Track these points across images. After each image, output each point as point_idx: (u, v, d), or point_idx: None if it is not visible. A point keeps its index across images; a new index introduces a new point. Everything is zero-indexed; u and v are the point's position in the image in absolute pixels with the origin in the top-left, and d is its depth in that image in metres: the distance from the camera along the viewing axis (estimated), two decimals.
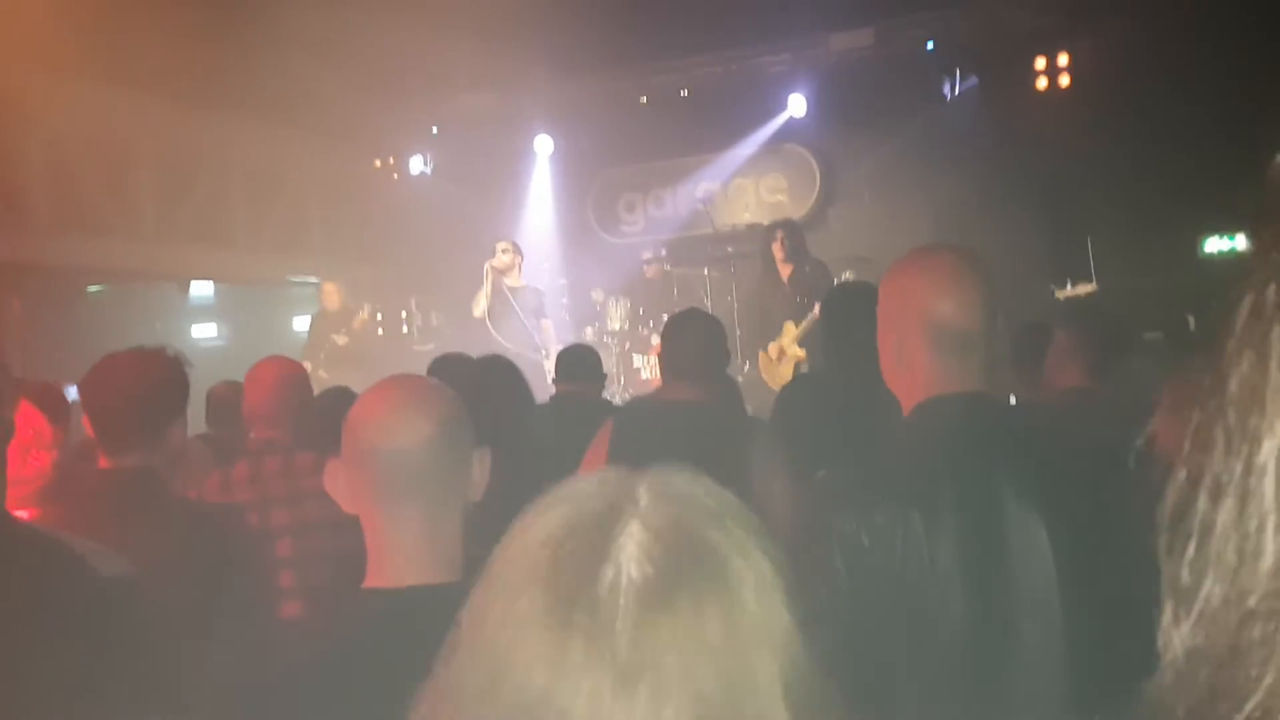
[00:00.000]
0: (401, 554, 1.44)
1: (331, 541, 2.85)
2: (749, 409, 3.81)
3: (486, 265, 7.70)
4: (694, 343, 3.08)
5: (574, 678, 0.66)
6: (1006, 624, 1.50)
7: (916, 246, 1.80)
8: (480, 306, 7.70)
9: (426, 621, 1.38)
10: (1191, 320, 7.15)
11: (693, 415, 2.98)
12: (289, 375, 3.24)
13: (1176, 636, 0.56)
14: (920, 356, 1.66)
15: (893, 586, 1.49)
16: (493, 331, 7.52)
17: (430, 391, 1.51)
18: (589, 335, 8.41)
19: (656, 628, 0.66)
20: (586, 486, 0.74)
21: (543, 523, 0.72)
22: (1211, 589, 0.54)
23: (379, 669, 1.35)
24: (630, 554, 0.68)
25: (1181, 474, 0.57)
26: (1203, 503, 0.55)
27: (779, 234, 7.15)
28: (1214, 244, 8.24)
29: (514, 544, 0.72)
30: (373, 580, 1.46)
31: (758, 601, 0.69)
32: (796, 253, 7.05)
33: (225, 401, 3.95)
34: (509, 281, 7.74)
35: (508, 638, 0.68)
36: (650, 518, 0.70)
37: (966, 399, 1.64)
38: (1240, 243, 8.14)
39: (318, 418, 3.07)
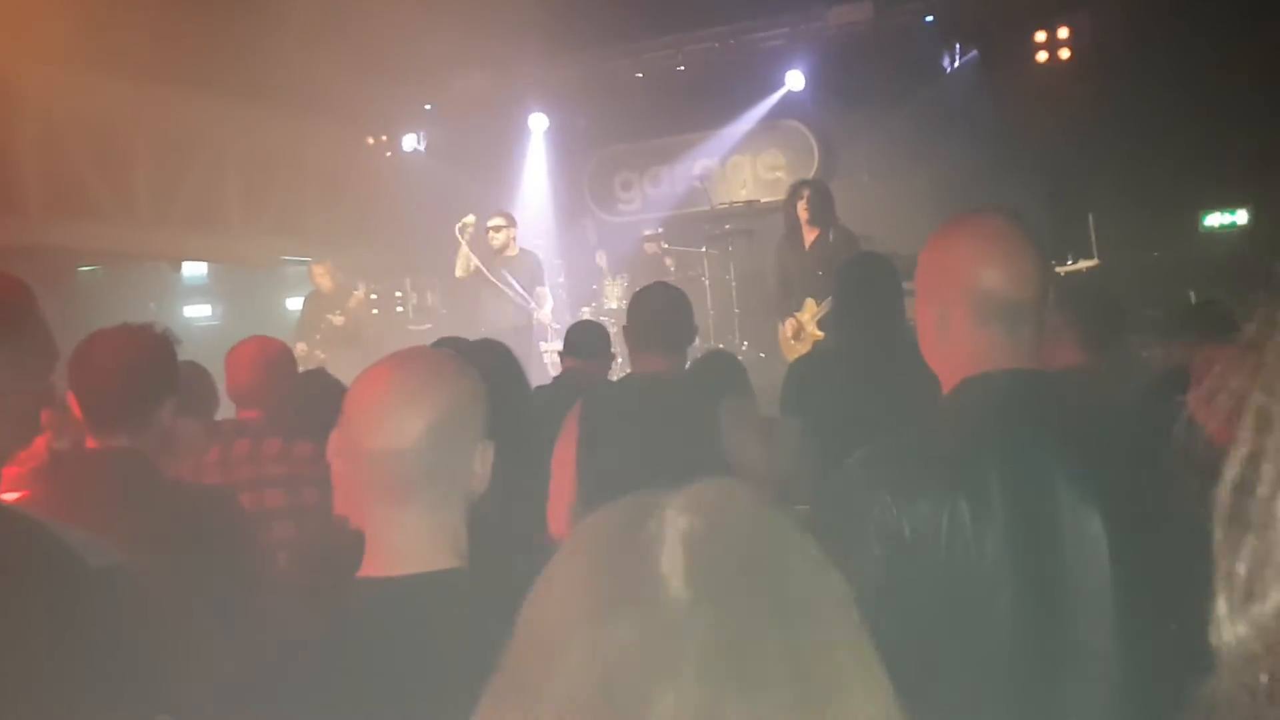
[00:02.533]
0: (397, 547, 1.38)
1: (314, 526, 2.84)
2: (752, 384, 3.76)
3: (458, 225, 7.50)
4: (655, 314, 3.04)
5: (648, 655, 0.64)
6: (1059, 621, 1.41)
7: (959, 212, 1.66)
8: (461, 267, 7.54)
9: (427, 608, 1.35)
10: (1193, 295, 7.14)
11: (659, 387, 2.96)
12: (272, 354, 3.20)
13: (1231, 635, 0.52)
14: (965, 329, 1.54)
15: (936, 578, 1.39)
16: (481, 304, 7.43)
17: (432, 381, 1.40)
18: (586, 314, 8.34)
19: (721, 607, 0.65)
20: (619, 507, 0.73)
21: (590, 533, 0.72)
22: (1271, 589, 0.51)
23: (377, 658, 1.31)
24: (675, 530, 0.68)
25: (1238, 458, 0.53)
26: (1262, 491, 0.52)
27: (805, 192, 6.56)
28: (1215, 219, 8.20)
29: (566, 556, 0.72)
30: (368, 569, 1.40)
31: (814, 564, 0.69)
32: (822, 216, 6.50)
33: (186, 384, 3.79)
34: (506, 253, 7.61)
35: (576, 628, 0.67)
36: (688, 510, 0.70)
37: (1016, 376, 1.53)
38: (1241, 217, 8.10)
39: (300, 399, 3.06)
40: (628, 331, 3.11)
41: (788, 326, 6.71)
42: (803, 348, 6.53)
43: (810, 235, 6.58)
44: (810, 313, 6.56)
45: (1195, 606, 1.52)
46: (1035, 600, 1.41)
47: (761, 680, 0.64)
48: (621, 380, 3.20)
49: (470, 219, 7.53)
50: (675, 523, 0.68)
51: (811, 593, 0.68)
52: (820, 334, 6.45)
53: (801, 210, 6.54)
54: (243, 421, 3.15)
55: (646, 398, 2.95)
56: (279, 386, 3.17)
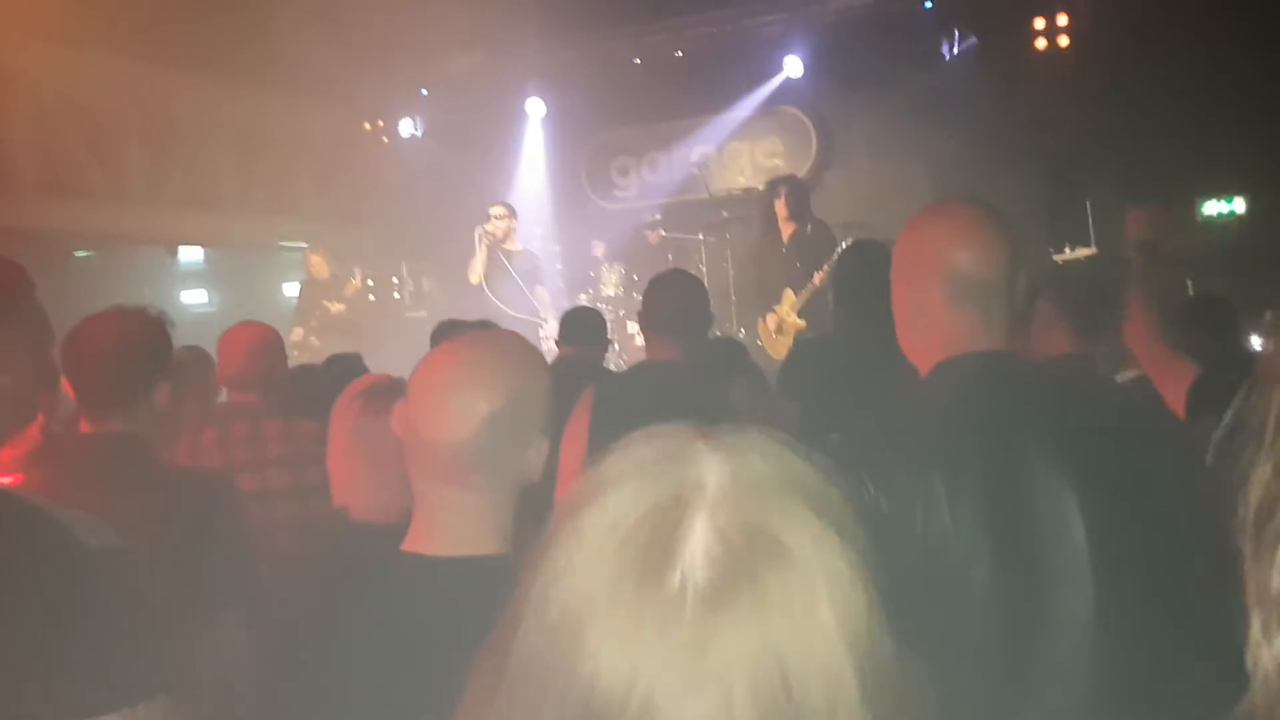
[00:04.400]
0: (444, 527, 1.39)
1: (301, 508, 2.85)
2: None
3: (478, 230, 7.57)
4: (672, 301, 3.04)
5: (642, 673, 0.63)
6: (1034, 597, 1.42)
7: (931, 202, 1.71)
8: (476, 273, 7.58)
9: (466, 590, 1.34)
10: (1190, 284, 7.13)
11: (673, 374, 2.95)
12: (263, 339, 3.21)
13: (1268, 653, 0.50)
14: (939, 313, 1.58)
15: (913, 554, 1.41)
16: (490, 296, 7.42)
17: (497, 371, 1.38)
18: (583, 301, 8.33)
19: (721, 630, 0.63)
20: (650, 458, 0.70)
21: (609, 505, 0.68)
22: None
23: (410, 632, 1.31)
24: (695, 559, 0.65)
25: (1268, 468, 0.52)
26: None
27: (783, 191, 6.75)
28: (1213, 207, 8.19)
29: (578, 522, 0.69)
30: (413, 544, 1.41)
31: (825, 598, 0.66)
32: (799, 212, 6.68)
33: (187, 368, 3.82)
34: (506, 246, 7.62)
35: (573, 629, 0.65)
36: (716, 513, 0.66)
37: (990, 358, 1.56)
38: (1239, 206, 8.09)
39: (328, 387, 3.07)
40: (643, 317, 3.10)
41: (769, 321, 6.77)
42: (785, 339, 6.56)
43: (787, 230, 6.70)
44: (789, 303, 6.61)
45: (1169, 581, 1.52)
46: (1010, 577, 1.43)
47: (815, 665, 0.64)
48: (635, 367, 3.20)
49: (490, 226, 7.54)
50: (708, 547, 0.65)
51: (842, 572, 0.67)
52: (802, 323, 6.49)
53: (780, 207, 6.68)
54: (239, 404, 3.15)
55: (660, 385, 2.94)
56: (273, 370, 3.19)
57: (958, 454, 1.45)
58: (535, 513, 1.54)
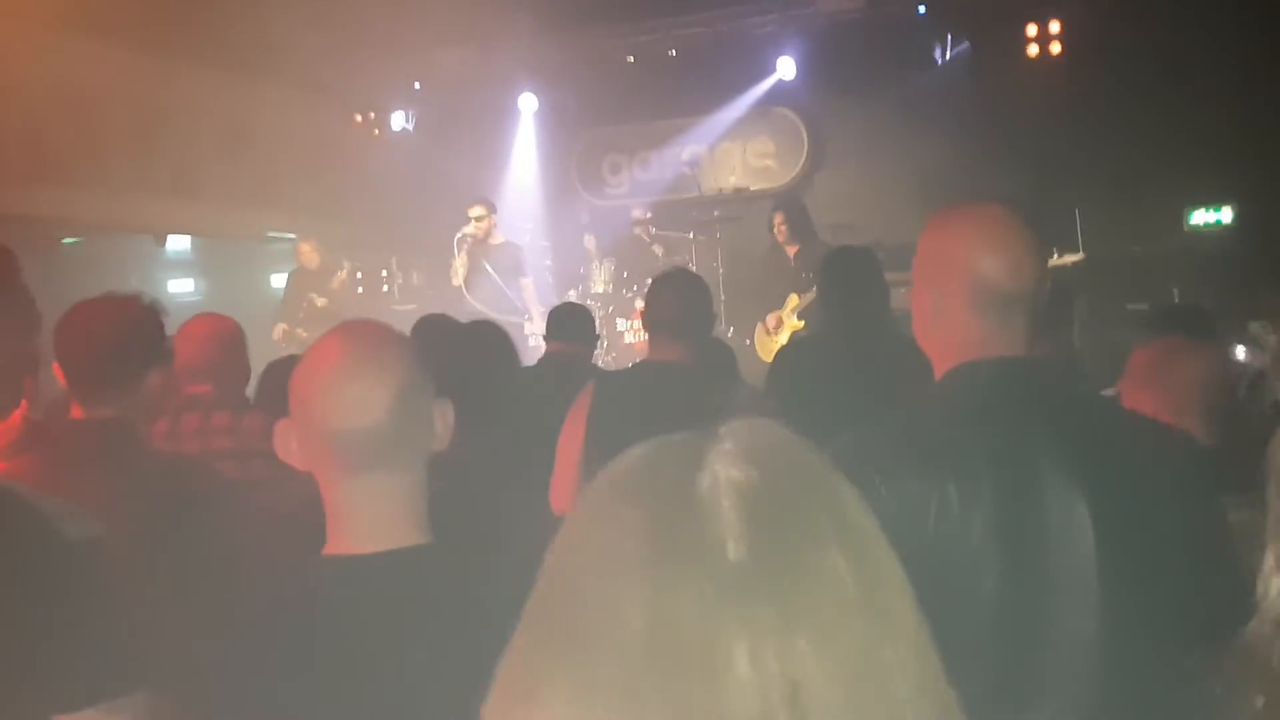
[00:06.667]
0: (366, 521, 1.36)
1: (263, 498, 2.83)
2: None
3: (458, 236, 7.53)
4: (676, 302, 3.03)
5: (685, 589, 0.62)
6: (1048, 604, 1.41)
7: (959, 200, 1.65)
8: (458, 276, 7.56)
9: (400, 585, 1.33)
10: (1176, 292, 7.17)
11: (674, 375, 2.94)
12: (218, 331, 3.18)
13: (1277, 581, 0.53)
14: (959, 317, 1.55)
15: (924, 559, 1.41)
16: (468, 298, 7.39)
17: (379, 353, 1.38)
18: (572, 298, 8.31)
19: (769, 523, 0.64)
20: (670, 461, 0.69)
21: (623, 464, 0.69)
22: None
23: (349, 636, 1.29)
24: (725, 461, 0.65)
25: None
26: None
27: (776, 218, 6.83)
28: (1200, 216, 8.24)
29: (593, 490, 0.69)
30: (334, 547, 1.37)
31: (857, 503, 0.68)
32: (799, 232, 6.76)
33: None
34: (489, 241, 7.60)
35: (606, 569, 0.64)
36: (739, 438, 0.67)
37: (1009, 364, 1.53)
38: (1226, 215, 8.14)
39: (278, 385, 3.04)
40: (645, 316, 3.10)
41: (768, 322, 6.85)
42: (779, 339, 6.62)
43: (792, 250, 6.83)
44: (791, 305, 6.70)
45: (1184, 589, 1.51)
46: (1021, 584, 1.41)
47: (833, 628, 0.63)
48: (636, 366, 3.20)
49: (470, 229, 7.52)
50: (729, 475, 0.65)
51: (862, 533, 0.69)
52: (799, 324, 6.59)
53: (778, 234, 6.82)
54: (192, 396, 3.12)
55: (661, 385, 2.93)
56: (230, 363, 3.15)
57: (974, 459, 1.43)
58: (473, 500, 1.53)
